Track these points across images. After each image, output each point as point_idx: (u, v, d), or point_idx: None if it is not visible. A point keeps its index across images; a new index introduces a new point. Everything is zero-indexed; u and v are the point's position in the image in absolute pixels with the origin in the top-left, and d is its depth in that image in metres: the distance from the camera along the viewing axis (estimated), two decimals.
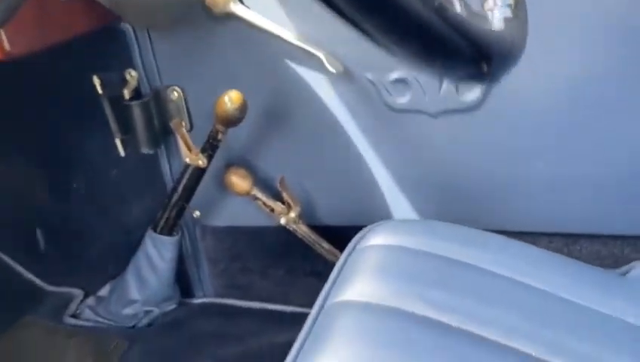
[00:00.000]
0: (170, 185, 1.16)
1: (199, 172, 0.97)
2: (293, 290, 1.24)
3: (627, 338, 0.61)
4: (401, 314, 0.60)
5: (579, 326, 0.61)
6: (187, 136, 0.94)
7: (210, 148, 0.93)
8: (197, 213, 1.18)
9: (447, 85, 0.92)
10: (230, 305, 1.27)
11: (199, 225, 1.22)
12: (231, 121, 0.86)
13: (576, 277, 0.69)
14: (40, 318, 1.27)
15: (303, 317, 1.28)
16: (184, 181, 0.99)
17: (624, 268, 0.82)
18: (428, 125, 0.97)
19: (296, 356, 0.59)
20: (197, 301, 1.29)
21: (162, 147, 1.12)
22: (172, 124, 0.96)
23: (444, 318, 0.60)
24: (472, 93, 0.92)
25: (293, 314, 1.23)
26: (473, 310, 0.61)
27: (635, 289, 0.71)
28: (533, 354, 0.57)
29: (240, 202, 1.15)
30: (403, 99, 0.95)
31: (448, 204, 1.03)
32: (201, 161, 0.94)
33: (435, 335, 0.57)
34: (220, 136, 0.91)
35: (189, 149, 0.92)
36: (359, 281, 0.66)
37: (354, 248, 0.75)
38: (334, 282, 0.69)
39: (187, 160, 0.94)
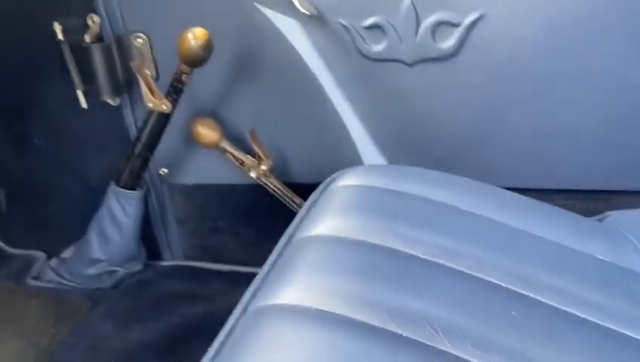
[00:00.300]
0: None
1: (163, 118, 0.93)
2: (264, 252, 1.20)
3: (596, 273, 0.59)
4: (369, 246, 0.58)
5: (548, 260, 0.59)
6: (150, 79, 0.90)
7: (174, 91, 0.89)
8: (164, 171, 1.14)
9: (423, 32, 0.89)
10: (200, 268, 1.23)
11: (166, 183, 1.17)
12: (195, 60, 0.81)
13: (548, 217, 0.68)
14: (1, 280, 1.22)
15: None
16: (147, 129, 0.94)
17: (598, 217, 0.81)
18: (403, 74, 0.94)
19: (259, 287, 0.56)
20: (165, 263, 1.25)
21: (126, 98, 1.07)
22: (133, 66, 0.91)
23: (413, 251, 0.57)
24: (449, 40, 0.89)
25: None
26: (441, 243, 0.58)
27: (606, 231, 0.70)
28: (503, 284, 0.55)
29: (209, 158, 1.11)
30: (378, 47, 0.92)
31: (422, 157, 1.00)
32: (165, 106, 0.89)
33: (403, 266, 0.55)
34: (184, 78, 0.86)
35: (152, 93, 0.88)
36: (327, 217, 0.63)
37: (325, 189, 0.72)
38: (302, 220, 0.66)
39: (150, 105, 0.90)
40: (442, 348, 0.47)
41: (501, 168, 0.98)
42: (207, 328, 1.06)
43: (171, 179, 1.16)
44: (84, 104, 1.08)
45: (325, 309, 0.49)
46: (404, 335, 0.47)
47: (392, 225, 0.60)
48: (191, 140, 1.09)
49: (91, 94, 1.07)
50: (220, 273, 1.22)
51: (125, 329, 1.04)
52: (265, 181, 1.01)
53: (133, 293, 1.14)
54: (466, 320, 0.49)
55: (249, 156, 1.01)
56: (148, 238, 1.20)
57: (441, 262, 0.56)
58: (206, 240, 1.23)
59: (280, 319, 0.49)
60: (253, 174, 1.00)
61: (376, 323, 0.48)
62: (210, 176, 1.15)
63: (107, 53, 0.95)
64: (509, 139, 0.95)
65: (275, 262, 0.59)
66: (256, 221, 1.18)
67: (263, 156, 0.99)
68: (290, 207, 1.06)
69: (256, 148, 0.98)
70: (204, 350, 1.02)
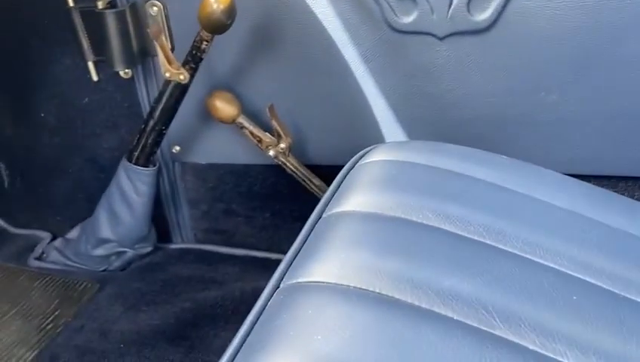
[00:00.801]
0: (146, 115, 1.07)
1: (180, 90, 0.87)
2: (279, 236, 1.16)
3: None
4: (408, 223, 0.53)
5: (608, 245, 0.54)
6: (167, 46, 0.84)
7: (192, 60, 0.83)
8: (176, 148, 1.09)
9: (457, 3, 0.84)
10: (211, 251, 1.18)
11: (179, 162, 1.12)
12: (217, 27, 0.76)
13: (602, 200, 0.62)
14: (3, 261, 1.18)
15: None
16: (163, 101, 0.89)
17: None
18: (433, 48, 0.88)
19: (291, 264, 0.51)
20: (175, 246, 1.20)
21: (139, 70, 1.02)
22: (150, 32, 0.86)
23: (458, 230, 0.52)
24: (485, 12, 0.84)
25: (278, 261, 1.14)
26: (488, 223, 0.53)
27: None
28: (559, 268, 0.50)
29: (224, 136, 1.06)
30: (408, 19, 0.86)
31: (448, 137, 0.94)
32: (183, 76, 0.84)
33: (448, 245, 0.50)
34: (204, 46, 0.81)
35: (170, 62, 0.83)
36: (360, 193, 0.58)
37: (354, 165, 0.67)
38: (333, 194, 0.61)
39: (167, 75, 0.84)
40: (498, 333, 0.42)
41: (533, 152, 0.93)
42: (221, 313, 1.03)
43: (183, 158, 1.11)
44: (94, 76, 1.03)
45: (367, 288, 0.44)
46: (455, 318, 0.42)
47: (433, 202, 0.56)
48: (205, 116, 1.04)
49: (102, 66, 1.02)
50: (232, 257, 1.17)
51: (135, 313, 1.00)
52: (283, 160, 0.96)
53: (142, 276, 1.10)
54: (523, 304, 0.44)
55: (267, 133, 0.96)
56: (158, 219, 1.15)
57: (489, 242, 0.51)
58: (218, 222, 1.18)
59: (317, 297, 0.44)
60: (271, 153, 0.95)
61: (423, 304, 0.43)
62: (224, 155, 1.10)
63: (121, 20, 0.89)
64: (543, 122, 0.90)
65: (305, 238, 0.54)
66: (272, 204, 1.13)
67: (282, 134, 0.94)
68: (309, 189, 1.01)
69: (275, 125, 0.93)
70: (218, 335, 0.98)
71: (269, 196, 1.12)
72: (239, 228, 1.18)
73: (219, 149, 1.09)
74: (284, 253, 1.24)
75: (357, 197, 0.58)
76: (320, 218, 0.57)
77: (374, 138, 0.98)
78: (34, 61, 1.06)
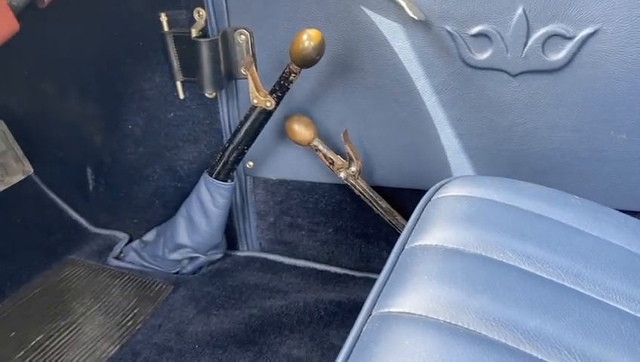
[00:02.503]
0: (226, 132, 1.14)
1: (265, 115, 0.94)
2: (339, 251, 1.22)
3: None
4: (492, 262, 0.57)
5: None
6: (257, 76, 0.91)
7: (280, 89, 0.90)
8: (250, 164, 1.16)
9: (532, 44, 0.87)
10: (274, 261, 1.25)
11: (251, 176, 1.20)
12: (306, 61, 0.82)
13: None
14: (84, 258, 1.28)
15: (346, 278, 1.26)
16: (248, 123, 0.96)
17: None
18: (506, 86, 0.92)
19: (380, 293, 0.56)
20: (242, 254, 1.28)
21: (222, 92, 1.09)
22: (243, 62, 0.93)
23: (538, 271, 0.57)
24: (559, 53, 0.87)
25: (337, 275, 1.21)
26: (566, 265, 0.57)
27: None
28: (636, 314, 0.53)
29: (294, 155, 1.13)
30: (482, 56, 0.91)
31: (514, 172, 0.99)
32: (269, 103, 0.91)
33: (531, 286, 0.54)
34: (292, 78, 0.88)
35: (258, 90, 0.89)
36: (443, 228, 0.63)
37: (430, 198, 0.72)
38: (412, 228, 0.66)
39: (254, 101, 0.91)
40: None
41: (603, 191, 0.95)
42: (286, 321, 1.09)
43: (256, 173, 1.18)
44: (181, 94, 1.11)
45: (456, 323, 0.49)
46: (540, 357, 0.47)
47: (512, 242, 0.60)
48: (278, 136, 1.11)
49: (189, 85, 1.10)
50: (294, 267, 1.23)
51: (207, 316, 1.08)
52: (352, 182, 1.02)
53: (212, 281, 1.18)
54: (603, 348, 0.48)
55: (339, 156, 1.02)
56: (227, 228, 1.23)
57: (568, 284, 0.55)
58: (283, 234, 1.25)
59: (411, 328, 0.49)
60: (342, 175, 1.01)
61: (510, 342, 0.48)
62: (293, 172, 1.16)
63: (213, 48, 0.97)
64: (609, 159, 0.93)
65: (392, 268, 0.59)
66: (335, 220, 1.19)
67: (353, 157, 0.99)
68: (375, 210, 1.06)
69: (347, 149, 0.98)
70: (284, 343, 1.05)
71: (333, 213, 1.18)
72: (302, 241, 1.24)
73: (289, 167, 1.16)
74: (343, 266, 1.30)
75: (439, 231, 0.62)
76: (403, 249, 0.62)
77: (440, 166, 1.03)
78: (127, 77, 1.15)
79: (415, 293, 0.54)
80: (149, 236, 1.29)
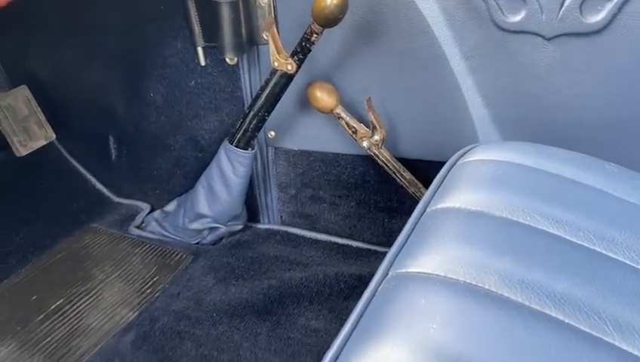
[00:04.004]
0: (247, 100, 1.12)
1: (286, 79, 0.92)
2: (362, 225, 1.19)
3: None
4: (518, 225, 0.54)
5: None
6: (278, 38, 0.89)
7: (301, 51, 0.87)
8: (272, 134, 1.14)
9: (569, 4, 0.82)
10: (295, 234, 1.23)
11: (272, 147, 1.18)
12: (329, 20, 0.79)
13: None
14: (106, 227, 1.29)
15: (368, 253, 1.24)
16: (268, 89, 0.94)
17: None
18: (539, 50, 0.87)
19: (398, 254, 0.53)
20: (263, 226, 1.26)
21: (244, 58, 1.07)
22: (263, 23, 0.90)
23: (568, 235, 0.53)
24: (598, 15, 0.82)
25: (358, 250, 1.18)
26: (598, 230, 0.53)
27: None
28: None
29: (317, 125, 1.10)
30: (515, 18, 0.85)
31: (547, 141, 0.93)
32: (290, 66, 0.88)
33: (559, 250, 0.51)
34: (314, 38, 0.84)
35: (279, 52, 0.87)
36: (467, 190, 0.60)
37: (455, 162, 0.69)
38: (436, 190, 0.63)
39: (275, 64, 0.89)
40: (610, 340, 0.43)
41: (637, 164, 0.90)
42: (305, 293, 1.07)
43: (277, 143, 1.16)
44: (202, 61, 1.09)
45: (476, 284, 0.46)
46: (567, 321, 0.43)
47: (541, 205, 0.56)
48: (301, 105, 1.09)
49: (210, 51, 1.08)
50: (315, 241, 1.21)
51: (225, 285, 1.07)
52: (375, 152, 0.99)
53: (232, 252, 1.17)
54: (636, 314, 0.44)
55: (362, 125, 0.98)
56: (247, 200, 1.21)
57: (599, 250, 0.51)
58: (304, 207, 1.23)
59: (429, 288, 0.47)
60: (364, 144, 0.98)
61: (534, 305, 0.44)
62: (315, 143, 1.14)
63: (234, 10, 0.94)
64: None
65: (411, 230, 0.56)
66: (357, 193, 1.16)
67: (377, 125, 0.96)
68: (398, 181, 1.03)
69: (371, 117, 0.95)
70: (302, 314, 1.03)
71: (355, 185, 1.15)
72: (324, 214, 1.22)
73: (311, 137, 1.13)
74: (365, 241, 1.27)
75: (463, 194, 0.59)
76: (424, 212, 0.59)
77: (467, 136, 0.99)
78: (148, 44, 1.14)
79: (435, 254, 0.51)
80: (170, 206, 1.29)
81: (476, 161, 0.65)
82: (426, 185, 1.04)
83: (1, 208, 1.18)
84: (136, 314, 1.01)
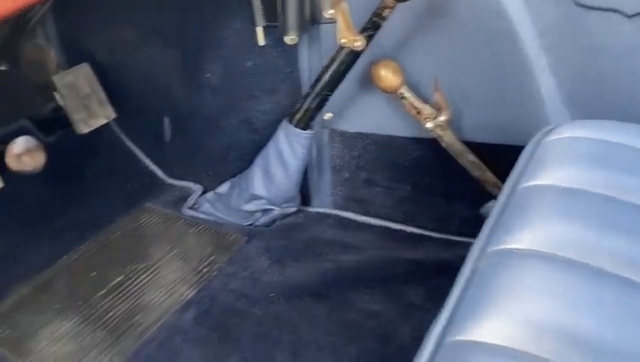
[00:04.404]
0: (305, 81, 1.11)
1: (353, 57, 0.90)
2: (417, 210, 1.17)
3: None
4: (618, 203, 0.51)
5: None
6: (347, 13, 0.87)
7: (372, 27, 0.85)
8: (328, 115, 1.12)
9: None
10: (348, 218, 1.22)
11: (328, 129, 1.16)
12: None
13: None
14: (160, 207, 1.30)
15: (423, 239, 1.21)
16: (333, 67, 0.92)
17: None
18: (619, 28, 0.83)
19: (494, 231, 0.51)
20: (315, 210, 1.25)
21: (304, 38, 1.06)
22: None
23: None
24: None
25: (413, 235, 1.16)
26: None
27: None
28: None
29: (374, 107, 1.08)
30: None
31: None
32: (360, 42, 0.86)
33: None
34: (386, 13, 0.83)
35: (348, 28, 0.85)
36: (558, 168, 0.57)
37: (540, 141, 0.66)
38: (523, 170, 0.60)
39: (343, 41, 0.87)
40: None
41: None
42: (362, 277, 1.06)
43: (333, 125, 1.15)
44: (261, 41, 1.08)
45: (581, 261, 0.44)
46: None
47: (637, 183, 0.53)
48: (359, 86, 1.07)
49: (268, 31, 1.07)
50: (368, 226, 1.20)
51: (281, 267, 1.06)
52: (440, 133, 0.96)
53: (285, 234, 1.16)
54: None
55: (427, 105, 0.96)
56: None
57: None
58: (358, 191, 1.21)
59: (531, 264, 0.45)
60: (428, 125, 0.96)
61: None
62: (372, 125, 1.12)
63: None
64: None
65: (503, 208, 0.55)
66: (413, 177, 1.14)
67: (443, 106, 0.93)
68: (462, 164, 1.00)
69: (437, 97, 0.93)
70: (360, 298, 1.01)
71: (412, 169, 1.13)
72: (377, 198, 1.20)
73: (368, 119, 1.11)
74: (419, 227, 1.25)
75: (556, 171, 0.57)
76: (515, 189, 0.57)
77: (536, 118, 0.95)
78: (206, 24, 1.14)
79: (536, 231, 0.49)
80: (223, 188, 1.29)
81: (566, 139, 0.63)
82: (490, 169, 1.02)
83: (60, 186, 1.19)
84: (194, 291, 1.02)
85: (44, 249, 1.10)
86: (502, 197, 0.57)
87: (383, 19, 0.84)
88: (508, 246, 0.48)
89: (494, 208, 0.56)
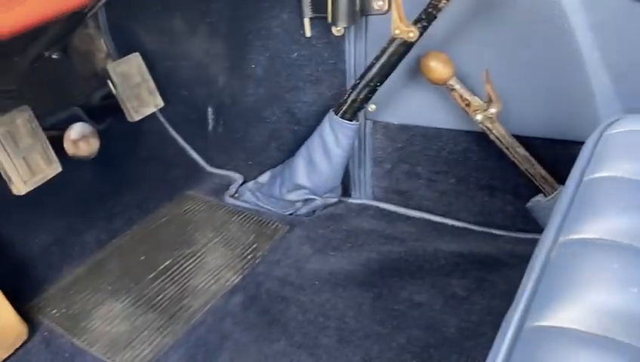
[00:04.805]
0: (350, 73, 1.12)
1: (405, 48, 0.91)
2: (459, 203, 1.17)
3: None
4: None
5: None
6: (401, 4, 0.87)
7: (426, 18, 0.86)
8: (372, 107, 1.13)
9: None
10: (388, 210, 1.23)
11: (371, 120, 1.17)
12: None
13: None
14: (202, 195, 1.32)
15: (464, 232, 1.21)
16: (384, 58, 0.93)
17: None
18: None
19: (562, 222, 0.52)
20: (355, 201, 1.26)
21: (351, 30, 1.06)
22: None
23: None
24: None
25: (454, 228, 1.16)
26: None
27: None
28: None
29: (420, 99, 1.09)
30: None
31: None
32: (413, 33, 0.87)
33: None
34: (442, 4, 0.83)
35: (401, 19, 0.86)
36: (626, 160, 0.57)
37: (601, 134, 0.66)
38: (588, 161, 0.60)
39: (396, 32, 0.88)
40: None
41: None
42: (405, 267, 1.07)
43: (377, 117, 1.15)
44: (308, 32, 1.09)
45: None
46: None
47: None
48: (405, 78, 1.07)
49: (317, 23, 1.08)
50: (408, 218, 1.20)
51: (324, 256, 1.08)
52: (489, 126, 0.96)
53: (326, 224, 1.18)
54: None
55: (476, 97, 0.96)
56: None
57: None
58: (399, 183, 1.22)
59: (604, 254, 0.45)
60: (478, 117, 0.96)
61: None
62: (417, 117, 1.12)
63: None
64: None
65: (572, 200, 0.55)
66: (458, 169, 1.14)
67: (494, 98, 0.93)
68: (510, 158, 1.00)
69: (488, 90, 0.93)
70: (404, 287, 1.02)
71: (456, 162, 1.13)
72: (419, 191, 1.20)
73: (413, 111, 1.11)
74: (460, 220, 1.24)
75: (623, 163, 0.57)
76: (581, 182, 0.57)
77: (586, 113, 0.95)
78: (254, 15, 1.15)
79: (609, 221, 0.49)
80: (264, 178, 1.31)
81: (630, 132, 0.63)
82: (538, 162, 1.02)
83: (109, 171, 1.23)
84: (240, 277, 1.04)
85: (96, 231, 1.13)
86: (569, 189, 0.57)
87: (439, 10, 0.84)
88: (580, 236, 0.48)
89: (561, 200, 0.56)
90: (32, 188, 0.86)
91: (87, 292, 1.01)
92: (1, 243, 0.99)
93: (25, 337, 0.89)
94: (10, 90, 0.86)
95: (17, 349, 0.89)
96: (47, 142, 0.89)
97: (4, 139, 0.82)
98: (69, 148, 0.93)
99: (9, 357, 0.87)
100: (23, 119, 0.85)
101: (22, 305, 0.93)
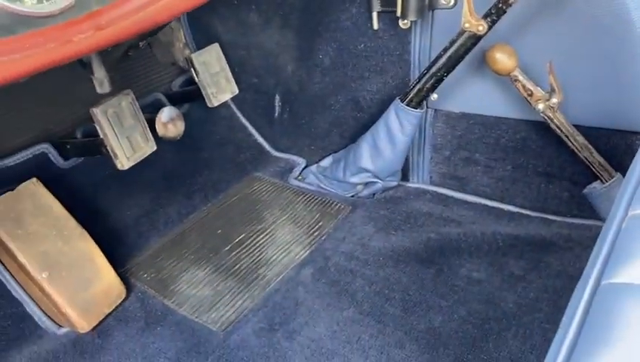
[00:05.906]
0: (415, 64, 1.18)
1: (472, 41, 0.96)
2: (515, 189, 1.22)
3: None
4: None
5: None
6: None
7: (496, 12, 0.92)
8: (434, 96, 1.19)
9: None
10: (445, 194, 1.29)
11: (433, 108, 1.23)
12: None
13: None
14: (268, 177, 1.42)
15: (520, 216, 1.26)
16: (453, 49, 0.99)
17: None
18: None
19: (630, 199, 0.57)
20: (412, 185, 1.33)
21: (417, 23, 1.13)
22: None
23: None
24: None
25: (510, 213, 1.22)
26: None
27: None
28: None
29: (481, 89, 1.14)
30: None
31: None
32: (482, 27, 0.93)
33: None
34: (512, 0, 0.89)
35: (471, 13, 0.91)
36: None
37: None
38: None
39: (466, 25, 0.94)
40: None
41: None
42: (464, 247, 1.13)
43: (439, 105, 1.22)
44: (375, 25, 1.16)
45: None
46: None
47: None
48: (468, 67, 1.13)
49: (384, 17, 1.15)
50: (465, 202, 1.26)
51: (386, 234, 1.15)
52: (550, 115, 1.01)
53: (387, 206, 1.25)
54: None
55: (538, 88, 1.01)
56: None
57: None
58: (457, 169, 1.28)
59: None
60: (540, 106, 1.01)
61: None
62: (478, 106, 1.18)
63: None
64: None
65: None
66: (516, 157, 1.19)
67: (556, 89, 0.98)
68: (570, 146, 1.04)
69: (551, 80, 0.98)
70: (463, 265, 1.09)
71: (515, 149, 1.18)
72: (476, 177, 1.26)
73: (474, 100, 1.17)
74: (516, 205, 1.29)
75: None
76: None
77: None
78: (325, 8, 1.23)
79: None
80: (325, 162, 1.39)
81: None
82: (597, 151, 1.06)
83: (189, 152, 1.34)
84: (308, 252, 1.13)
85: (178, 206, 1.24)
86: (637, 171, 0.62)
87: (509, 5, 0.90)
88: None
89: (627, 180, 0.61)
90: (133, 164, 0.96)
91: (173, 259, 1.12)
92: (102, 214, 1.11)
93: (123, 296, 1.01)
94: (113, 76, 0.96)
95: (117, 306, 1.00)
96: (146, 122, 0.99)
97: (112, 119, 0.93)
98: (159, 129, 1.03)
99: (111, 312, 0.99)
100: (126, 102, 0.96)
101: (117, 269, 1.04)
